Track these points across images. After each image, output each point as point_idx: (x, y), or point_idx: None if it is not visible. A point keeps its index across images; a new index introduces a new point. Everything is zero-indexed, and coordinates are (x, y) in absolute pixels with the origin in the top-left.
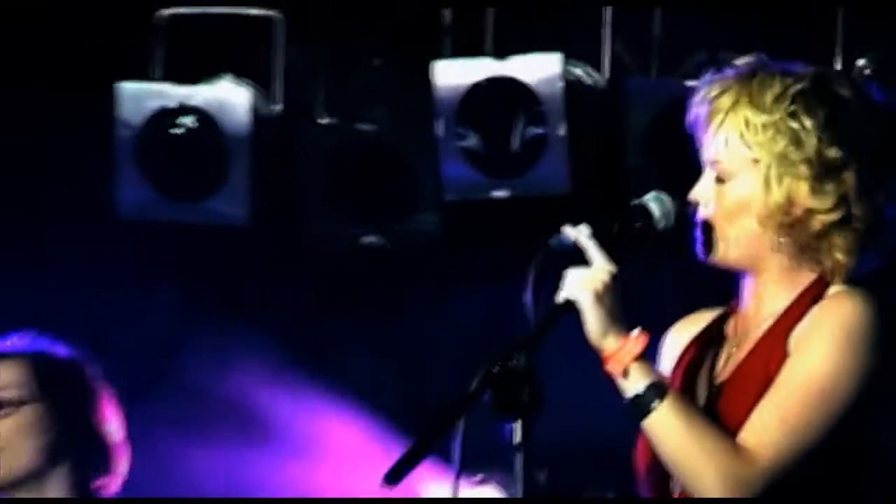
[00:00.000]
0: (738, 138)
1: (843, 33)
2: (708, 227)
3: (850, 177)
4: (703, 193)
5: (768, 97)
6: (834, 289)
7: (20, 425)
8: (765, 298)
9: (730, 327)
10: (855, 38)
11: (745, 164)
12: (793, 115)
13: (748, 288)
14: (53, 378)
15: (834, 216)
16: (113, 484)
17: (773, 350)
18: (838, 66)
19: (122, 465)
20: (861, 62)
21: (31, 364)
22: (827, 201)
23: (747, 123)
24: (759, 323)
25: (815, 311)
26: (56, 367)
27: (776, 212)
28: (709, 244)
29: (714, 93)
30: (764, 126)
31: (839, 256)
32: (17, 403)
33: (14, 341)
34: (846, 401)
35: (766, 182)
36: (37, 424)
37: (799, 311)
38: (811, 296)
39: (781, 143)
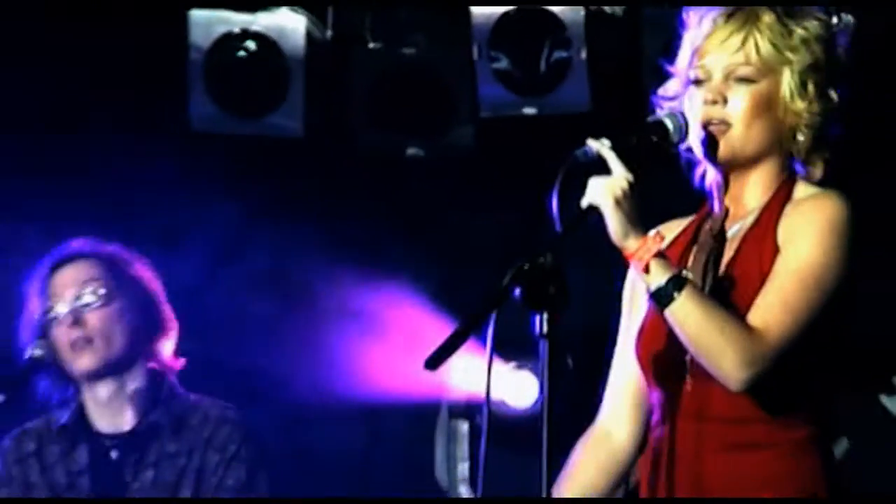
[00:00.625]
0: (768, 43)
1: None
2: (725, 125)
3: (841, 92)
4: (718, 95)
5: (780, 10)
6: (808, 190)
7: (108, 316)
8: (741, 199)
9: (714, 228)
10: None
11: (772, 68)
12: (805, 28)
13: (725, 190)
14: (123, 272)
15: (831, 124)
16: (177, 362)
17: (763, 246)
18: None
19: (174, 341)
20: None
21: (106, 262)
22: (829, 111)
23: (778, 33)
24: (739, 222)
25: (801, 209)
26: (123, 262)
27: (800, 113)
28: (724, 140)
29: (728, 14)
30: (793, 34)
31: (821, 163)
32: (105, 297)
33: (79, 244)
34: (834, 284)
35: (794, 85)
36: (119, 315)
37: (776, 209)
38: (782, 196)
39: (808, 53)
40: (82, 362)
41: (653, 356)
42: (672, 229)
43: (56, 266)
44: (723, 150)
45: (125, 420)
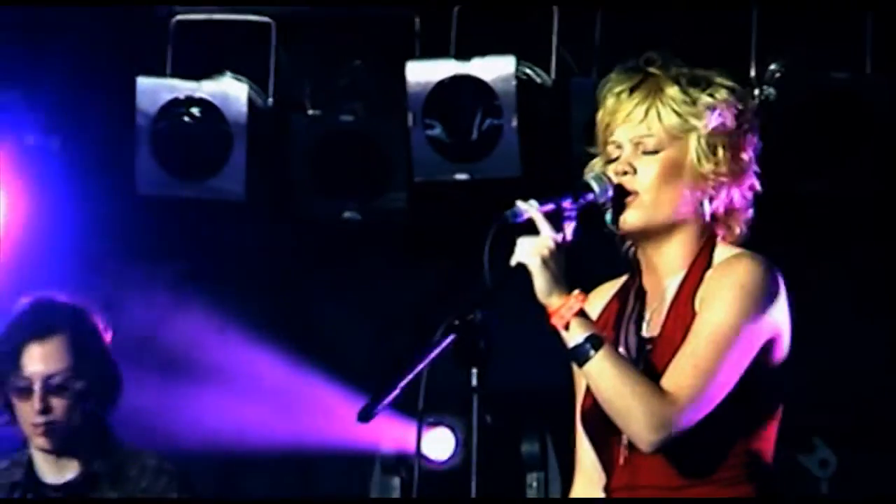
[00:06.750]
0: (671, 113)
1: (756, 38)
2: (631, 195)
3: (752, 152)
4: (627, 166)
5: (684, 81)
6: (726, 252)
7: (72, 400)
8: (662, 267)
9: (636, 295)
10: (768, 43)
11: (677, 136)
12: (711, 96)
13: (645, 259)
14: (88, 344)
15: (746, 184)
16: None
17: (684, 314)
18: (753, 70)
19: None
20: (773, 66)
21: (76, 334)
22: (742, 171)
23: (681, 102)
24: (663, 290)
25: (716, 273)
26: (89, 329)
27: (708, 176)
28: (635, 210)
29: (630, 84)
30: (698, 102)
31: (742, 223)
32: (72, 381)
33: (55, 312)
34: (747, 346)
35: (701, 150)
36: (81, 396)
37: (696, 276)
38: (702, 262)
39: (716, 119)
40: (41, 442)
41: (592, 424)
42: (604, 292)
43: (31, 338)
44: (635, 219)
45: (69, 470)
